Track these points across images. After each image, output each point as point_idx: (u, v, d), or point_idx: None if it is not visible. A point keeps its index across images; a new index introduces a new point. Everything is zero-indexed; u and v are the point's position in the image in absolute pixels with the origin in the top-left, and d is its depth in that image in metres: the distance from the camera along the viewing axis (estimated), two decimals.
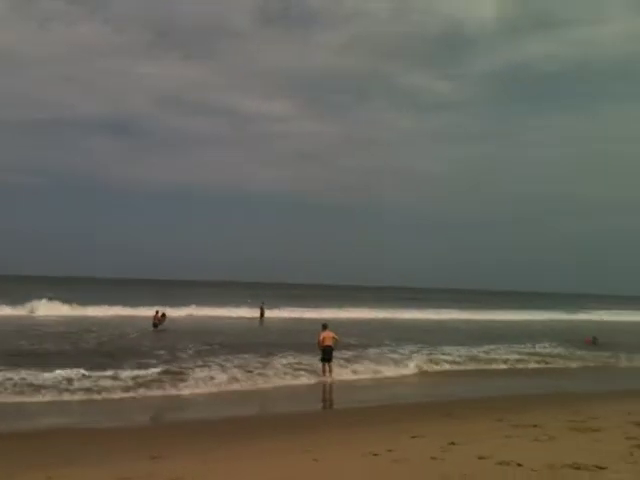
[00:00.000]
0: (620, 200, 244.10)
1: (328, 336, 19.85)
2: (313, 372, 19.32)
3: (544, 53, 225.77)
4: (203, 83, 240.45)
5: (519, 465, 7.20)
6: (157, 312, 35.04)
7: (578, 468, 6.85)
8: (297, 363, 20.42)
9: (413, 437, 9.99)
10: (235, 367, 18.90)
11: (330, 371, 19.34)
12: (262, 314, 45.82)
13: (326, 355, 19.47)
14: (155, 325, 33.85)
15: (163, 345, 23.85)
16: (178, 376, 17.20)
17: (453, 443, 8.88)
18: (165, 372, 17.60)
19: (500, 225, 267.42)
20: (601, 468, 6.79)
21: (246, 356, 21.05)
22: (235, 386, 16.99)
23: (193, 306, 46.72)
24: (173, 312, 39.66)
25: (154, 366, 18.37)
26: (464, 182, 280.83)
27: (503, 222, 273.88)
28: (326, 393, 17.49)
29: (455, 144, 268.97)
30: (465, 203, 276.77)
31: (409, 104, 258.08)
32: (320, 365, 19.41)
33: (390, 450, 8.51)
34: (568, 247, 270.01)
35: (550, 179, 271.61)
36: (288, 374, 18.89)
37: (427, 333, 34.44)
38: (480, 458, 7.72)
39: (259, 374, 18.42)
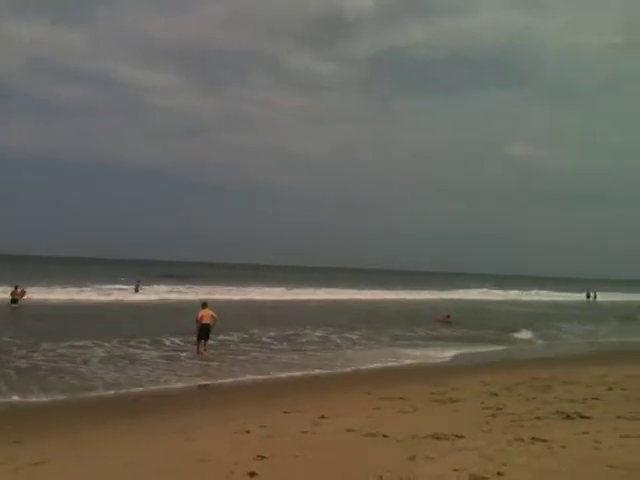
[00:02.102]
0: (477, 184, 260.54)
1: (207, 314, 19.65)
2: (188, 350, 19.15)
3: (420, 40, 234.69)
4: (77, 49, 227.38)
5: (385, 436, 7.51)
6: (16, 287, 33.20)
7: (438, 438, 7.25)
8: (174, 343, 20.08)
9: (286, 412, 10.15)
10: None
11: (205, 349, 19.18)
12: (137, 290, 44.85)
13: (203, 333, 19.28)
14: (14, 301, 32.11)
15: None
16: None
17: (324, 417, 9.12)
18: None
19: (378, 203, 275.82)
20: (459, 437, 7.23)
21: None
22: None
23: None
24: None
25: None
26: (342, 162, 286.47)
27: (382, 201, 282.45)
28: (201, 371, 17.32)
29: (334, 125, 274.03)
30: (342, 183, 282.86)
31: (291, 84, 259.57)
32: (196, 342, 19.24)
33: (263, 426, 8.59)
34: (454, 228, 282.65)
35: (421, 161, 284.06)
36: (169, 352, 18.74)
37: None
38: (349, 430, 7.98)
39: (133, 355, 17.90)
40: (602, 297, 73.65)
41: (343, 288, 61.28)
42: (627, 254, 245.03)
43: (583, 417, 8.05)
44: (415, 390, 12.29)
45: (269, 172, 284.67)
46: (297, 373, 16.41)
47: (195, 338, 19.40)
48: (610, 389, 10.62)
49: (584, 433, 6.98)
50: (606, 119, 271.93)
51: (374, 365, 18.03)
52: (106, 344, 19.55)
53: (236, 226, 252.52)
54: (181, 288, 50.52)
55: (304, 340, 23.11)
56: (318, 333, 25.09)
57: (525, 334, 27.87)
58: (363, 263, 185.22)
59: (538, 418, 8.27)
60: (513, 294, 72.32)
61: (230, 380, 15.35)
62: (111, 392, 13.51)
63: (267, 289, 54.96)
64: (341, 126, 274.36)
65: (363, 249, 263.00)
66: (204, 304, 20.51)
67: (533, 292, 77.02)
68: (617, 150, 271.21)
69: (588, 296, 73.88)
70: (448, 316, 33.34)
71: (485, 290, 77.27)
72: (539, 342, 26.29)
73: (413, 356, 19.94)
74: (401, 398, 11.04)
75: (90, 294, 42.35)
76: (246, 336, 22.93)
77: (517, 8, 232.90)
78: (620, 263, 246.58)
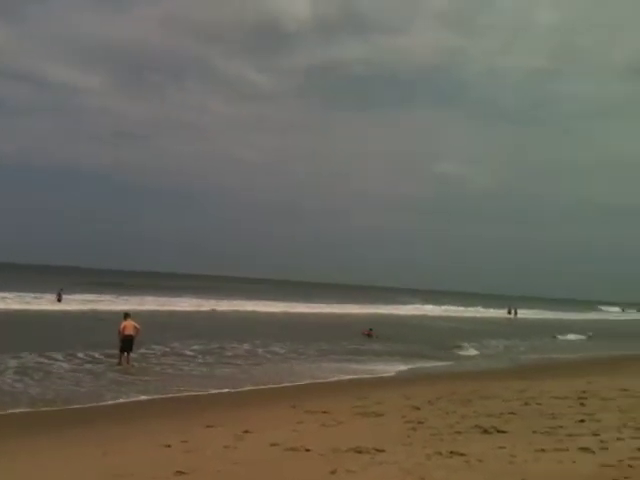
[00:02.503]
0: (408, 200, 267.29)
1: (130, 325, 19.17)
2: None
3: (356, 56, 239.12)
4: (6, 47, 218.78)
5: (307, 450, 7.52)
6: None
7: (360, 451, 7.31)
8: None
9: (209, 427, 10.01)
10: None
11: (128, 361, 18.69)
12: (59, 300, 43.40)
13: (126, 345, 18.80)
14: None
15: None
16: None
17: (247, 431, 9.05)
18: None
19: (308, 213, 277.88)
20: (380, 450, 7.31)
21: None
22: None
23: None
24: None
25: None
26: (276, 170, 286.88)
27: (312, 210, 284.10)
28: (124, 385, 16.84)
29: (268, 135, 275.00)
30: (276, 191, 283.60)
31: (226, 91, 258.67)
32: (119, 354, 18.73)
33: (184, 441, 8.45)
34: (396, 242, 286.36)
35: (356, 175, 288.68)
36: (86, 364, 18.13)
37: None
38: (272, 445, 7.94)
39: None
40: (522, 314, 76.34)
41: (274, 300, 60.76)
42: (546, 272, 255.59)
43: (500, 431, 8.29)
44: (339, 404, 12.35)
45: (204, 178, 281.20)
46: (221, 387, 16.14)
47: (117, 350, 18.88)
48: (526, 404, 10.97)
49: (500, 447, 7.18)
50: (530, 140, 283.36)
51: (300, 379, 18.00)
52: (20, 356, 18.70)
53: (171, 233, 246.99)
54: (109, 297, 48.97)
55: (230, 354, 22.78)
56: (245, 346, 24.82)
57: (450, 348, 28.57)
58: (300, 275, 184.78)
59: (457, 432, 8.46)
60: (441, 309, 74.02)
61: (152, 394, 14.97)
62: (25, 408, 12.91)
63: (197, 300, 53.99)
64: (276, 136, 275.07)
65: (298, 260, 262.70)
66: (126, 315, 20.01)
67: (461, 308, 78.80)
68: (539, 170, 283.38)
69: (509, 312, 76.47)
70: (371, 329, 33.65)
71: (416, 306, 78.56)
72: (463, 356, 26.99)
73: (338, 370, 20.07)
74: (325, 412, 11.07)
75: (11, 302, 40.39)
76: (167, 349, 22.44)
77: (449, 30, 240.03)
78: (541, 281, 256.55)
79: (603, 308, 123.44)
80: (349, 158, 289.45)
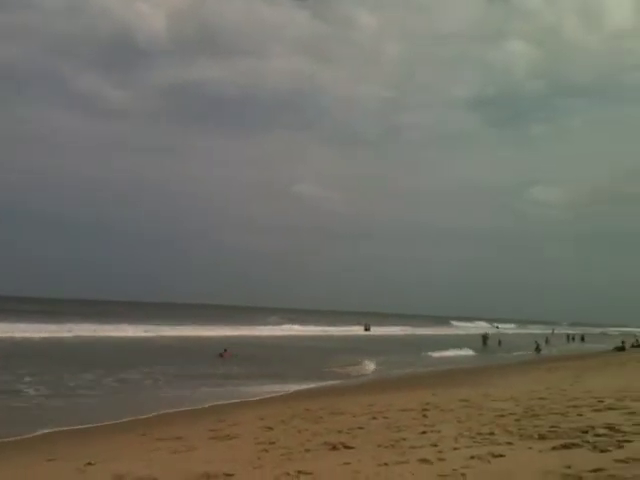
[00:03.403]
0: (269, 220, 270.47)
1: None
2: None
3: (214, 77, 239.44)
4: None
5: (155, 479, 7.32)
6: None
7: (209, 477, 7.23)
8: None
9: (50, 460, 9.43)
10: None
11: None
12: None
13: None
14: None
15: None
16: None
17: (90, 463, 8.61)
18: None
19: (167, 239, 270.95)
20: (229, 475, 7.27)
21: None
22: None
23: None
24: None
25: None
26: (131, 193, 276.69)
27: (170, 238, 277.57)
28: None
29: (123, 153, 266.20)
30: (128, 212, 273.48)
31: (80, 106, 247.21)
32: None
33: (23, 477, 7.90)
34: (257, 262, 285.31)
35: (218, 196, 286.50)
36: None
37: None
38: (116, 476, 7.63)
39: None
40: (378, 330, 79.29)
41: (129, 324, 57.56)
42: (397, 290, 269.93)
43: (347, 447, 8.54)
44: (194, 428, 12.13)
45: (55, 198, 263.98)
46: (63, 419, 14.65)
47: None
48: (374, 418, 11.39)
49: (346, 463, 7.40)
50: (381, 166, 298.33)
51: (152, 406, 16.93)
52: None
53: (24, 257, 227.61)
54: None
55: (73, 384, 20.85)
56: (88, 376, 22.76)
57: (310, 367, 28.90)
58: (165, 297, 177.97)
59: (307, 450, 8.61)
60: (304, 329, 74.42)
61: None
62: None
63: (36, 325, 49.02)
64: (132, 155, 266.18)
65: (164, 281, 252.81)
66: None
67: (323, 328, 78.19)
68: (386, 193, 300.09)
69: (366, 329, 79.22)
70: (225, 350, 33.41)
71: (282, 326, 77.41)
72: (326, 374, 27.27)
73: (194, 394, 19.59)
74: (178, 438, 10.81)
75: None
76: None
77: (307, 56, 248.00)
78: (395, 298, 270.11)
79: (455, 323, 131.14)
80: (208, 179, 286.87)
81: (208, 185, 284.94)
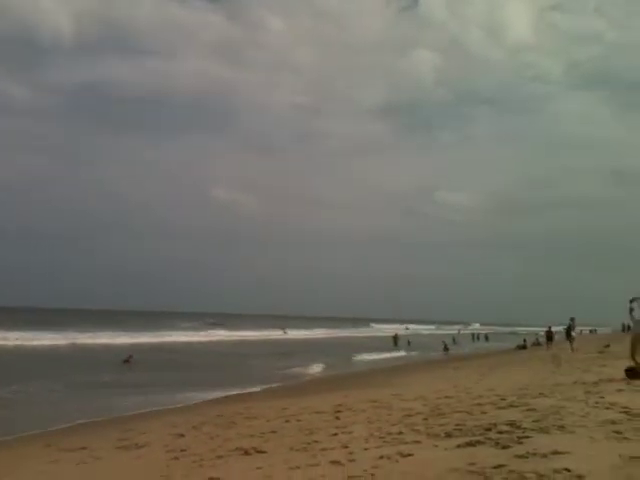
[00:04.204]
0: (187, 225, 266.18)
1: None
2: None
3: (122, 77, 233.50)
4: None
5: None
6: None
7: None
8: None
9: None
10: None
11: None
12: None
13: None
14: None
15: None
16: None
17: None
18: None
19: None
20: None
21: None
22: None
23: None
24: None
25: None
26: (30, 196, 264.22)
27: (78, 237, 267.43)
28: None
29: (25, 153, 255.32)
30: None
31: None
32: None
33: None
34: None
35: (136, 199, 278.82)
36: None
37: None
38: None
39: None
40: (299, 333, 79.29)
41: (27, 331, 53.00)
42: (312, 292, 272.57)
43: (259, 452, 8.49)
44: (100, 439, 11.70)
45: None
46: None
47: None
48: (287, 421, 11.39)
49: (258, 468, 7.36)
50: (295, 172, 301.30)
51: (56, 417, 15.90)
52: None
53: None
54: None
55: None
56: None
57: (219, 374, 28.42)
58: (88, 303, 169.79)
59: (219, 456, 8.50)
60: (221, 334, 72.49)
61: None
62: None
63: None
64: (33, 156, 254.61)
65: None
66: None
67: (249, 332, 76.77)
68: (302, 200, 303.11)
69: (284, 332, 79.35)
70: (130, 356, 32.54)
71: (208, 332, 74.61)
72: (239, 379, 26.83)
73: (99, 404, 18.70)
74: (84, 448, 10.43)
75: None
76: None
77: (221, 60, 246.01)
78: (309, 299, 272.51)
79: (375, 326, 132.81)
80: (119, 181, 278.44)
81: (112, 186, 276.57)
